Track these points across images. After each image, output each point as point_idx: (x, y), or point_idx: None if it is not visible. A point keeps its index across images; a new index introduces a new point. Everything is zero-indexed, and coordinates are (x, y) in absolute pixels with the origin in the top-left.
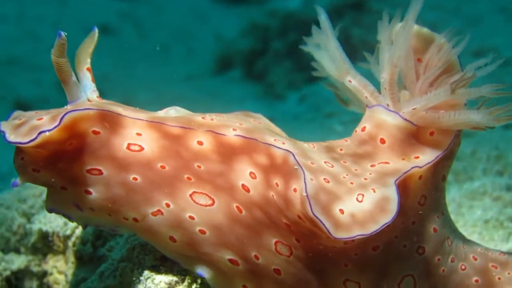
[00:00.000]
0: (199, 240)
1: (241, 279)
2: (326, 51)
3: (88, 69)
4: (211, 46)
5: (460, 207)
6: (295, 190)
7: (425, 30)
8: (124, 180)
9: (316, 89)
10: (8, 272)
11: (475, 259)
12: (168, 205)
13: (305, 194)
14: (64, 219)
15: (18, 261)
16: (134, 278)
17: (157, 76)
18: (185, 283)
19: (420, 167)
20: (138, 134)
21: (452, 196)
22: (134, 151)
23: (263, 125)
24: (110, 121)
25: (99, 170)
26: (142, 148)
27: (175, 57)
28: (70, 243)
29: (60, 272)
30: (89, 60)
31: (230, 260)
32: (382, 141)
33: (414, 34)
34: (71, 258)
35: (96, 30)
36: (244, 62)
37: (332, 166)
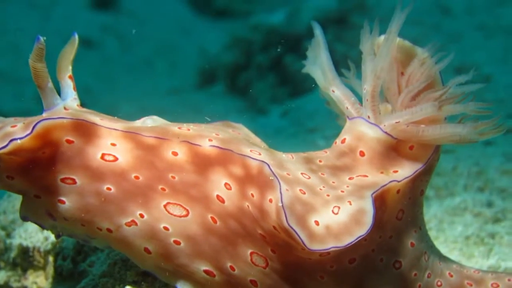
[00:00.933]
0: (174, 251)
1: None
2: (317, 64)
3: (70, 77)
4: (194, 60)
5: (441, 223)
6: (270, 200)
7: (408, 43)
8: (97, 189)
9: (299, 103)
10: None
11: (451, 276)
12: (142, 216)
13: (280, 204)
14: (44, 234)
15: None
16: None
17: (140, 89)
18: None
19: (398, 181)
20: (112, 144)
21: (433, 211)
22: (108, 161)
23: (242, 135)
24: (85, 131)
25: (73, 179)
26: (117, 158)
27: (158, 70)
28: (50, 258)
29: None
30: (70, 68)
31: (205, 271)
32: (362, 153)
33: (397, 47)
34: (52, 274)
35: (76, 36)
36: (227, 76)
37: (309, 178)
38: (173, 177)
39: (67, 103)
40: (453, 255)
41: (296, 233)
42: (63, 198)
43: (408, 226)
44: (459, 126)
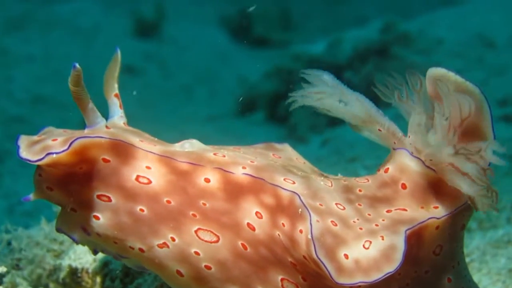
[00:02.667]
0: (206, 275)
1: None
2: (343, 104)
3: (116, 95)
4: (233, 87)
5: (484, 255)
6: (301, 231)
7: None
8: (131, 209)
9: (338, 133)
10: None
11: None
12: (173, 239)
13: (310, 236)
14: (93, 256)
15: None
16: None
17: (180, 116)
18: None
19: (438, 218)
20: (147, 167)
21: (476, 243)
22: (142, 183)
23: (283, 159)
24: (122, 151)
25: (108, 197)
26: (150, 181)
27: (198, 97)
28: (98, 280)
29: None
30: (116, 86)
31: None
32: (404, 186)
33: (459, 86)
34: None
35: (119, 52)
36: (268, 104)
37: (344, 209)
38: (204, 204)
39: (114, 120)
40: (497, 287)
41: (325, 265)
42: (98, 214)
43: (445, 261)
44: (473, 184)
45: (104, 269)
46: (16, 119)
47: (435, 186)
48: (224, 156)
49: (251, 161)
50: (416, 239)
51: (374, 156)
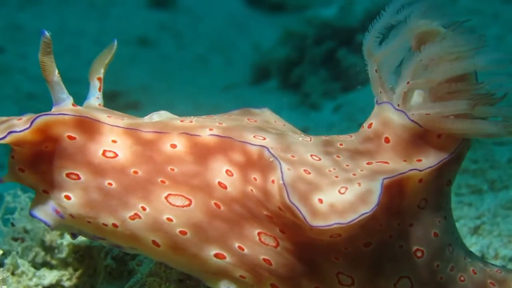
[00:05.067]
0: (181, 241)
1: (234, 270)
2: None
3: (98, 78)
4: (249, 55)
5: (495, 217)
6: (273, 181)
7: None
8: (100, 185)
9: (351, 98)
10: (40, 287)
11: (475, 273)
12: (144, 209)
13: (281, 182)
14: None
15: (49, 276)
16: None
17: (195, 86)
18: None
19: (420, 170)
20: (113, 141)
21: (487, 205)
22: (109, 157)
23: (259, 122)
24: (87, 128)
25: (77, 175)
26: (117, 155)
27: (213, 67)
28: (100, 258)
29: (91, 287)
30: (102, 71)
31: (216, 255)
32: (387, 140)
33: (442, 35)
34: (102, 273)
35: (116, 43)
36: (281, 71)
37: (319, 159)
38: (172, 169)
39: (89, 101)
40: (508, 249)
41: (298, 209)
42: (69, 194)
43: (431, 216)
44: (490, 123)
45: (105, 247)
46: (30, 96)
47: (420, 140)
48: (191, 122)
49: (219, 123)
50: (397, 190)
51: None
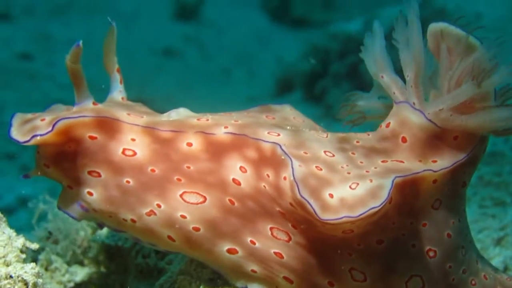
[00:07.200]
0: (195, 237)
1: (246, 263)
2: (371, 51)
3: (117, 70)
4: (272, 68)
5: None
6: (285, 178)
7: (454, 29)
8: (119, 182)
9: None
10: (72, 284)
11: (486, 278)
12: (159, 206)
13: (292, 178)
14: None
15: (81, 273)
16: None
17: (218, 98)
18: None
19: (434, 171)
20: (132, 139)
21: (511, 217)
22: (128, 155)
23: (277, 119)
24: (107, 127)
25: (98, 173)
26: (135, 153)
27: (236, 79)
28: (131, 257)
29: (121, 285)
30: (116, 60)
31: (228, 251)
32: (404, 139)
33: (444, 33)
34: (132, 271)
35: (114, 25)
36: (304, 84)
37: (333, 156)
38: (188, 167)
39: (113, 95)
40: None
41: (309, 203)
42: (91, 190)
43: (445, 217)
44: (504, 108)
45: (136, 245)
46: (59, 103)
47: (435, 140)
48: (208, 120)
49: (235, 121)
50: (411, 189)
51: None
